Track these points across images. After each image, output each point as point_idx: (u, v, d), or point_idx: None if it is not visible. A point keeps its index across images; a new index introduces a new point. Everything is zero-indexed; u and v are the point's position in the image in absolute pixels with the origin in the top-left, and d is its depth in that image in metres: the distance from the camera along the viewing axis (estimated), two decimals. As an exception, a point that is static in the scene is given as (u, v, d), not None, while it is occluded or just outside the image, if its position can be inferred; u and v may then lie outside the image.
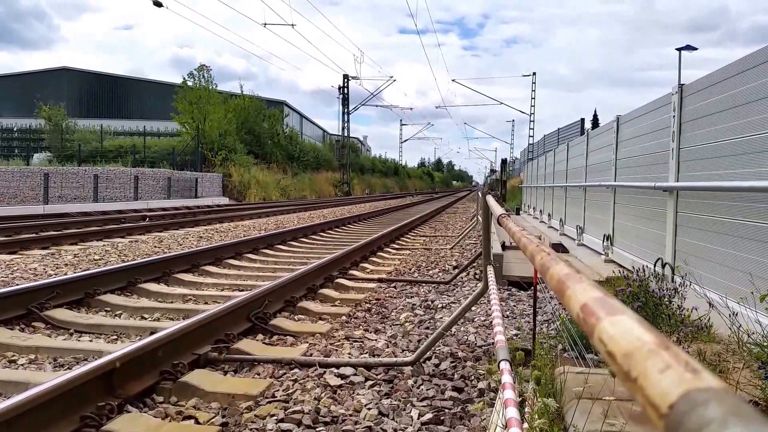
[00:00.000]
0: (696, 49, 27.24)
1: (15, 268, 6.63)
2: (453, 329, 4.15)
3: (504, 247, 7.68)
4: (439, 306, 5.19)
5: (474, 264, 6.95)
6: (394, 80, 47.40)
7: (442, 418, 2.70)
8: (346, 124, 47.46)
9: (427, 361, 3.51)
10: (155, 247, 9.13)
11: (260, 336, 4.14)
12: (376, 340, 4.05)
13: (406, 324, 4.47)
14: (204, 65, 33.48)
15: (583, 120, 32.63)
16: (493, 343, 3.28)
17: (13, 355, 3.60)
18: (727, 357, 3.06)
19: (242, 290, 5.62)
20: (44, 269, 6.65)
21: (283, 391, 3.03)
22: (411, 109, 76.82)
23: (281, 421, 2.64)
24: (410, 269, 7.42)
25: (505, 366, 2.05)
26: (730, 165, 4.35)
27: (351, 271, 6.89)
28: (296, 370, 3.36)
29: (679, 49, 27.38)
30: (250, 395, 2.93)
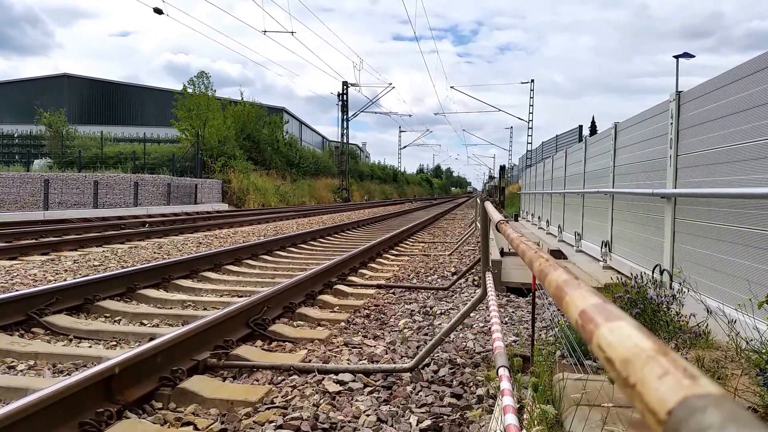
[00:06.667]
0: (693, 56, 27.35)
1: (15, 274, 6.62)
2: (452, 335, 4.15)
3: (503, 253, 7.68)
4: (438, 312, 5.18)
5: (473, 270, 6.95)
6: (393, 87, 47.55)
7: (440, 424, 2.70)
8: (345, 131, 47.52)
9: (425, 368, 3.50)
10: (155, 253, 9.12)
11: (259, 342, 4.13)
12: (374, 346, 4.04)
13: (405, 330, 4.46)
14: (203, 72, 33.58)
15: (581, 127, 32.76)
16: (491, 350, 3.28)
17: (13, 361, 3.60)
18: (726, 364, 3.06)
19: (241, 296, 5.61)
20: (44, 275, 6.64)
21: (281, 397, 3.02)
22: (410, 115, 77.28)
23: (280, 427, 2.63)
24: (409, 275, 7.42)
25: (503, 372, 2.06)
26: (728, 172, 4.36)
27: (350, 277, 6.88)
28: (295, 376, 3.36)
29: (677, 57, 27.50)
30: (248, 401, 2.93)
